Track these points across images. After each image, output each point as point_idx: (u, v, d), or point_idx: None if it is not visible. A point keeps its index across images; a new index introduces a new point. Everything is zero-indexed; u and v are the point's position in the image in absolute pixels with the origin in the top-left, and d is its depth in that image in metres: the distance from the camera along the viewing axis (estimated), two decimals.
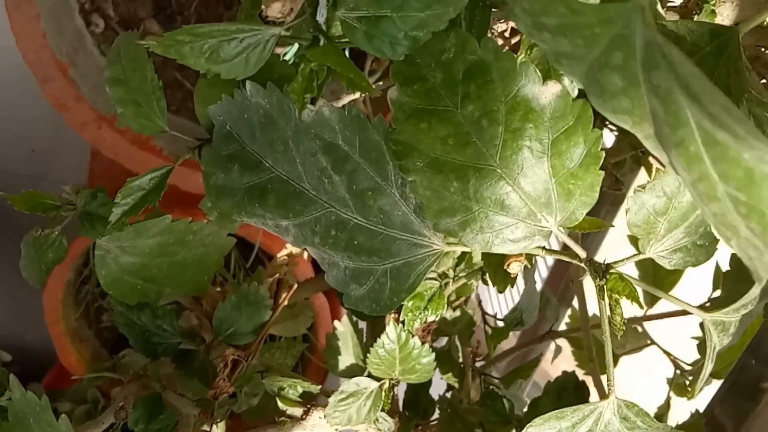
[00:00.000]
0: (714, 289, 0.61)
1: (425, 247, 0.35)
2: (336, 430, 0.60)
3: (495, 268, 0.42)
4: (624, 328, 0.32)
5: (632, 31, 0.19)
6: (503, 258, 0.42)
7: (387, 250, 0.36)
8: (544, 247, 0.34)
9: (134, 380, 0.61)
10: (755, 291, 0.34)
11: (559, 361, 0.82)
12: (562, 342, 0.78)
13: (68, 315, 1.08)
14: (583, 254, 0.34)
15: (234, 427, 0.61)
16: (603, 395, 0.34)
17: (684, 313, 0.70)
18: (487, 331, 0.71)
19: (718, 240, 0.34)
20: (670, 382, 0.71)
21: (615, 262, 0.33)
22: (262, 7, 0.29)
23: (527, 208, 0.32)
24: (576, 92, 0.33)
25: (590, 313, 0.53)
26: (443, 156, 0.32)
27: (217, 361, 0.60)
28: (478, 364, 0.69)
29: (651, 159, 0.57)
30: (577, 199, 0.31)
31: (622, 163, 0.56)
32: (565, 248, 0.34)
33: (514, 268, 0.38)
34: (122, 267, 0.58)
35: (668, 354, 0.71)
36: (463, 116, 0.31)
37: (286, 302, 0.69)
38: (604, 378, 0.48)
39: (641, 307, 0.32)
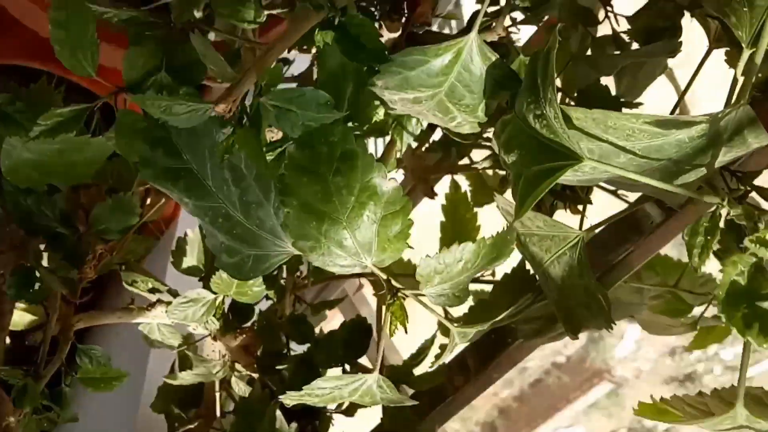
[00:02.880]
0: None
1: (282, 249, 0.51)
2: (172, 322, 0.76)
3: None
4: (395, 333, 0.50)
5: None
6: None
7: (255, 243, 0.51)
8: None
9: (11, 250, 0.73)
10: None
11: None
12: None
13: None
14: (383, 277, 0.51)
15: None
16: None
17: None
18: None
19: (467, 296, 0.53)
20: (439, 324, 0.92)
21: (403, 291, 0.51)
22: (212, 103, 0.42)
23: (356, 250, 0.48)
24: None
25: None
26: (312, 203, 0.47)
27: (88, 246, 0.73)
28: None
29: None
30: (388, 254, 0.48)
31: (438, 179, 0.74)
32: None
33: None
34: (24, 161, 0.68)
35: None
36: (333, 182, 0.47)
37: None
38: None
39: (405, 330, 0.50)
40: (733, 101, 0.39)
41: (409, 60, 0.47)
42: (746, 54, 0.43)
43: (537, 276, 0.57)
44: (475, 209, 0.95)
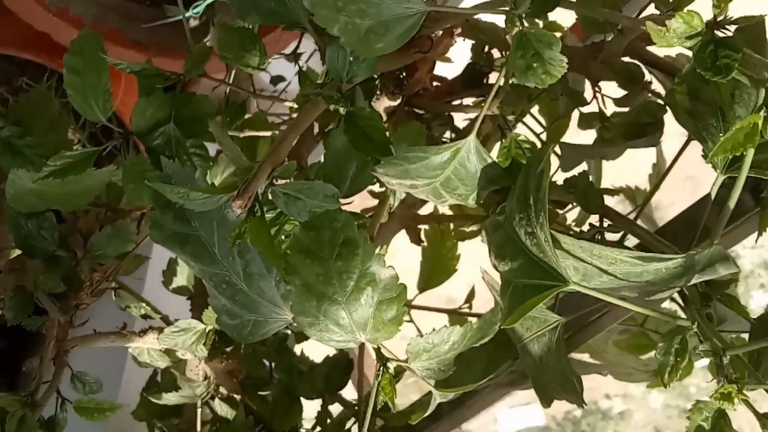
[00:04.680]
0: None
1: (281, 316, 0.54)
2: (161, 349, 0.79)
3: None
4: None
5: None
6: None
7: (255, 310, 0.54)
8: None
9: (10, 272, 0.75)
10: None
11: None
12: None
13: None
14: (373, 355, 0.55)
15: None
16: None
17: None
18: None
19: (452, 369, 0.56)
20: None
21: (391, 362, 0.55)
22: (231, 199, 0.45)
23: (351, 328, 0.51)
24: None
25: None
26: (313, 284, 0.50)
27: (85, 273, 0.76)
28: None
29: None
30: (382, 334, 0.52)
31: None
32: None
33: None
34: (28, 190, 0.71)
35: None
36: (334, 266, 0.50)
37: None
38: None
39: (393, 406, 0.54)
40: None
41: (411, 156, 0.50)
42: (719, 179, 0.46)
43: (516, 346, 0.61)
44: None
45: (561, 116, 0.75)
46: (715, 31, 0.43)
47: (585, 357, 0.98)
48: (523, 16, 0.43)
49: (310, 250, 0.50)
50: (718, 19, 0.43)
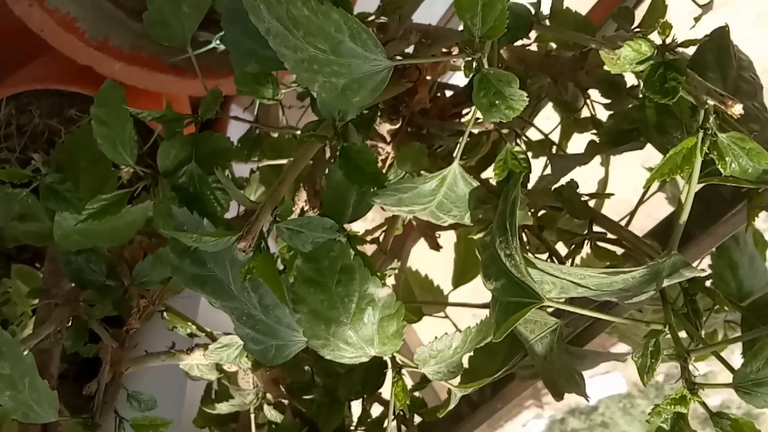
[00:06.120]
0: None
1: (299, 339, 0.59)
2: (209, 364, 0.85)
3: None
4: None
5: None
6: None
7: (276, 335, 0.59)
8: None
9: (66, 303, 0.82)
10: None
11: None
12: None
13: None
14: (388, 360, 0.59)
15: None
16: None
17: None
18: None
19: (462, 369, 0.61)
20: None
21: (404, 367, 0.59)
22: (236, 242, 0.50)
23: (360, 345, 0.56)
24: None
25: None
26: (319, 310, 0.55)
27: (134, 300, 0.83)
28: None
29: None
30: (387, 347, 0.56)
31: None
32: None
33: None
34: (74, 230, 0.77)
35: None
36: (335, 292, 0.55)
37: None
38: None
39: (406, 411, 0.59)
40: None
41: (402, 187, 0.54)
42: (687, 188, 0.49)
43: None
44: None
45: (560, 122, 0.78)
46: (666, 53, 0.46)
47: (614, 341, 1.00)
48: (483, 58, 0.47)
49: (312, 279, 0.55)
50: (667, 43, 0.46)
